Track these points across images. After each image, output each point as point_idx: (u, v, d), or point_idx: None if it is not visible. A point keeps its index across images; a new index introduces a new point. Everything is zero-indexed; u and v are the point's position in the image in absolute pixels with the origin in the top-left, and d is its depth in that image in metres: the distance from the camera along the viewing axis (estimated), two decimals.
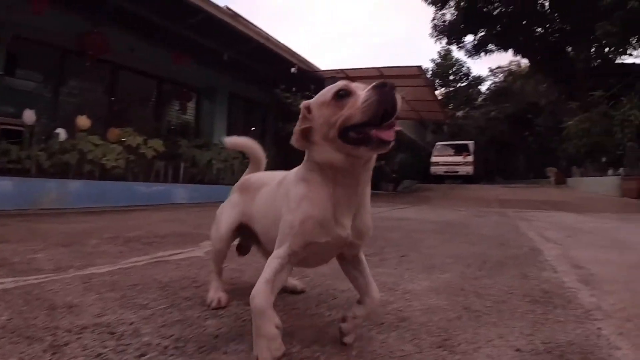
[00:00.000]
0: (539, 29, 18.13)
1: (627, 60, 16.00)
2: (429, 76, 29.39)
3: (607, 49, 15.01)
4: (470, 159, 19.82)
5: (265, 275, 0.90)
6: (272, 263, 0.92)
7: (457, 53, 25.77)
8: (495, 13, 18.01)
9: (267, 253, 1.19)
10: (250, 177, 1.39)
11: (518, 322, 1.24)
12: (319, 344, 1.01)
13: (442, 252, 2.53)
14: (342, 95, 0.88)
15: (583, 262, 2.30)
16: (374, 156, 0.93)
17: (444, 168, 19.84)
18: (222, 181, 7.59)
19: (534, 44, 18.11)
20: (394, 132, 0.84)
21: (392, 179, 15.25)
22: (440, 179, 19.37)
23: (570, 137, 13.35)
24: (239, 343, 0.98)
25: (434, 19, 19.44)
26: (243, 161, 7.91)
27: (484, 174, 22.47)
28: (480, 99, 28.94)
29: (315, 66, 10.26)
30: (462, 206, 7.72)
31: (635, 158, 10.75)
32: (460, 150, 20.33)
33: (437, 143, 21.91)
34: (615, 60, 15.67)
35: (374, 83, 0.84)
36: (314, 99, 0.95)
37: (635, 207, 8.11)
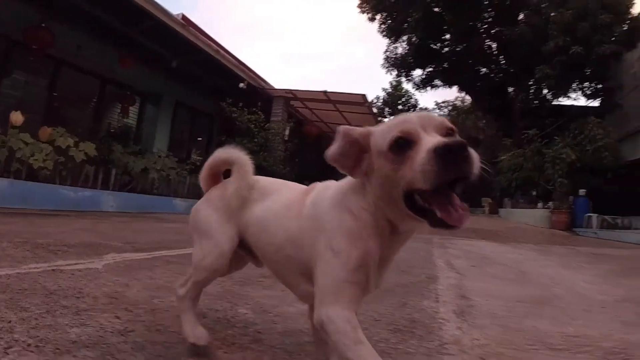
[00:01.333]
0: (483, 69, 19.54)
1: (564, 102, 17.56)
2: (380, 104, 30.92)
3: (545, 91, 16.47)
4: None
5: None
6: (359, 337, 0.77)
7: (407, 84, 27.11)
8: (444, 51, 19.25)
9: (258, 263, 1.16)
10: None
11: None
12: None
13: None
14: (402, 146, 0.73)
15: (472, 293, 2.32)
16: None
17: None
18: (156, 191, 7.44)
19: (477, 82, 19.58)
20: (465, 216, 0.71)
21: None
22: None
23: (503, 171, 14.40)
24: (91, 350, 1.06)
25: (386, 51, 20.48)
26: (180, 172, 7.83)
27: None
28: None
29: (266, 83, 10.60)
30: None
31: (564, 193, 11.79)
32: None
33: None
34: (552, 101, 17.16)
35: (437, 144, 0.69)
36: (371, 133, 0.82)
37: (561, 237, 8.93)
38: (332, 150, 0.83)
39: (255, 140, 8.92)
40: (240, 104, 8.89)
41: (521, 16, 16.85)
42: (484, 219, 15.29)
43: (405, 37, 19.63)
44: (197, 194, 7.11)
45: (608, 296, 2.62)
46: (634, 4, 14.58)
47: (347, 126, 0.85)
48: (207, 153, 8.11)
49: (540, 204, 13.02)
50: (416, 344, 1.36)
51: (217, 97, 9.42)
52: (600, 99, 16.81)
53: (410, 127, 0.74)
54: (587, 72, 15.24)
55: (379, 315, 1.68)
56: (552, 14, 14.61)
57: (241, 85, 9.12)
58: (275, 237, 1.00)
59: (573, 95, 17.25)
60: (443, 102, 31.86)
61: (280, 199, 1.05)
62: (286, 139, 10.17)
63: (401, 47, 20.12)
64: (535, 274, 3.51)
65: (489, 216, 17.30)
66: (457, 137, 0.75)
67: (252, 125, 8.91)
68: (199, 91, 9.72)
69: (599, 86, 16.46)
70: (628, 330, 1.80)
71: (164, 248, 3.11)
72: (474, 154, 0.69)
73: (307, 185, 1.09)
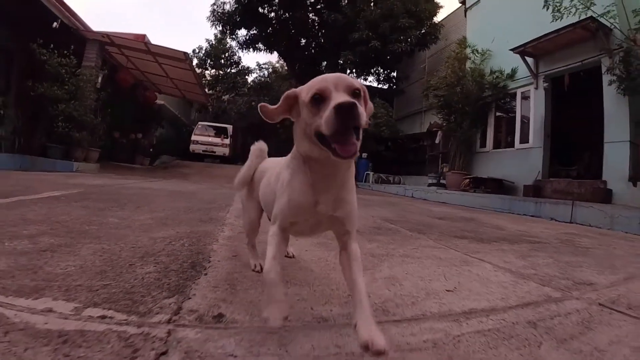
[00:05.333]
0: (303, 40, 21.74)
1: (363, 82, 21.20)
2: (202, 55, 30.90)
3: (348, 71, 19.69)
4: (227, 141, 22.09)
5: (271, 253, 1.12)
6: (271, 240, 1.17)
7: (232, 41, 27.76)
8: (270, 16, 20.67)
9: None
10: (260, 166, 1.73)
11: None
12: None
13: (164, 206, 3.80)
14: (317, 100, 1.01)
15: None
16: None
17: (203, 147, 21.85)
18: None
19: (295, 52, 21.60)
20: (354, 148, 0.96)
21: (148, 153, 15.79)
22: (199, 157, 21.31)
23: None
24: None
25: (214, 4, 20.76)
26: None
27: (241, 155, 25.18)
28: (245, 88, 31.94)
29: (81, 23, 10.00)
30: (209, 182, 9.33)
31: None
32: (220, 132, 22.91)
33: (199, 123, 23.79)
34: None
35: (336, 103, 0.95)
36: (301, 90, 1.10)
37: None
38: (272, 110, 1.15)
39: (66, 87, 8.68)
40: (52, 45, 8.58)
41: (345, 1, 19.37)
42: None
43: None
44: None
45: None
46: (436, 13, 18.60)
47: (288, 91, 1.15)
48: (4, 99, 7.66)
49: None
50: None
51: (18, 31, 8.83)
52: (389, 84, 21.21)
53: (324, 87, 1.01)
54: (382, 62, 18.98)
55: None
56: (364, 9, 17.56)
57: (55, 24, 8.76)
58: (267, 197, 1.45)
59: (370, 78, 21.09)
60: (265, 64, 33.78)
61: (272, 173, 1.42)
62: (98, 86, 10.10)
63: (229, 4, 20.68)
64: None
65: None
66: (361, 97, 1.07)
67: (63, 71, 8.65)
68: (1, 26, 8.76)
69: (392, 74, 20.82)
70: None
71: None
72: (361, 110, 0.95)
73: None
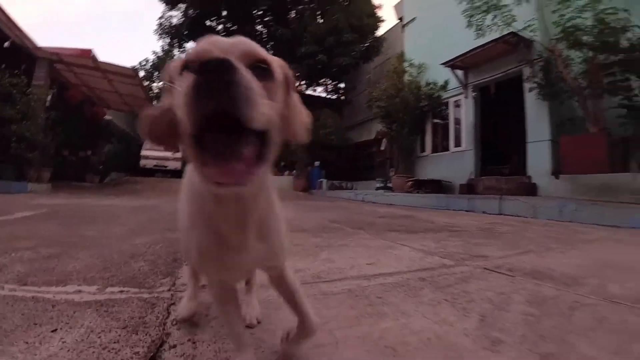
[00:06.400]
0: None
1: (312, 92, 22.10)
2: (149, 68, 30.73)
3: (297, 84, 20.43)
4: (178, 154, 22.03)
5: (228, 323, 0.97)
6: (218, 309, 1.01)
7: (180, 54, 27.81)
8: (218, 29, 21.05)
9: None
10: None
11: None
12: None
13: (131, 220, 4.24)
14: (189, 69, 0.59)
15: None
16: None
17: (154, 162, 21.65)
18: None
19: None
20: (239, 168, 0.55)
21: (98, 171, 15.69)
22: (150, 172, 21.15)
23: None
24: None
25: (161, 17, 20.92)
26: None
27: None
28: None
29: (30, 41, 10.04)
30: (165, 197, 9.58)
31: (304, 164, 15.69)
32: None
33: None
34: (305, 91, 21.45)
35: (196, 49, 0.62)
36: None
37: (298, 196, 12.30)
38: (157, 118, 0.67)
39: (18, 107, 8.66)
40: (3, 65, 8.58)
41: (292, 15, 20.12)
42: None
43: (183, 6, 20.60)
44: None
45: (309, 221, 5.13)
46: (378, 27, 19.75)
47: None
48: None
49: (286, 172, 16.79)
50: None
51: None
52: (338, 95, 22.23)
53: (204, 51, 0.61)
54: (330, 74, 19.93)
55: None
56: (310, 24, 18.42)
57: (6, 44, 8.84)
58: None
59: (319, 89, 21.99)
60: None
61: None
62: (48, 105, 10.14)
63: (176, 18, 20.89)
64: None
65: None
66: (273, 79, 0.64)
67: (15, 91, 8.64)
68: None
69: (339, 86, 21.86)
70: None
71: None
72: (248, 83, 0.52)
73: None
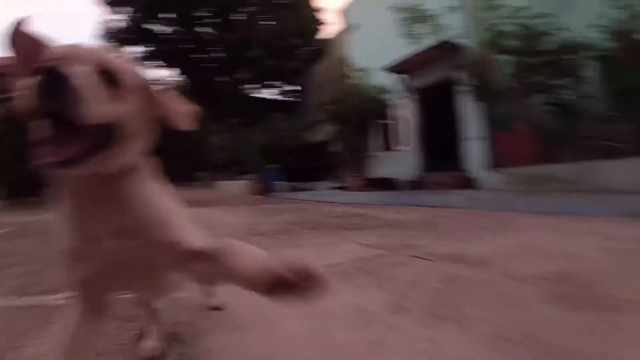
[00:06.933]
0: (202, 55, 22.09)
1: (264, 95, 22.35)
2: None
3: (247, 86, 20.67)
4: None
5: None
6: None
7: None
8: (164, 33, 20.76)
9: None
10: None
11: None
12: None
13: None
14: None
15: None
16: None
17: None
18: None
19: (193, 67, 21.90)
20: (58, 154, 0.63)
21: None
22: None
23: (214, 151, 18.01)
24: None
25: (106, 21, 20.36)
26: None
27: None
28: None
29: None
30: None
31: (259, 167, 15.99)
32: None
33: None
34: (250, 94, 21.62)
35: (55, 52, 0.69)
36: None
37: (255, 199, 12.63)
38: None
39: None
40: None
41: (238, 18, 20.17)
42: (202, 191, 18.41)
43: (126, 9, 20.17)
44: None
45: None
46: (317, 29, 20.23)
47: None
48: None
49: (243, 176, 17.03)
50: None
51: None
52: (290, 96, 22.66)
53: (56, 55, 0.68)
54: (281, 77, 20.36)
55: None
56: (257, 29, 18.68)
57: None
58: None
59: (271, 91, 22.29)
60: (164, 80, 33.30)
61: None
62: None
63: (117, 22, 20.33)
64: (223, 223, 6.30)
65: (206, 188, 20.74)
66: (118, 85, 0.71)
67: None
68: None
69: (291, 87, 22.28)
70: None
71: None
72: (82, 90, 0.61)
73: None
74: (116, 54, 0.77)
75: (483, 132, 9.20)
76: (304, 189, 17.47)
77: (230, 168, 18.95)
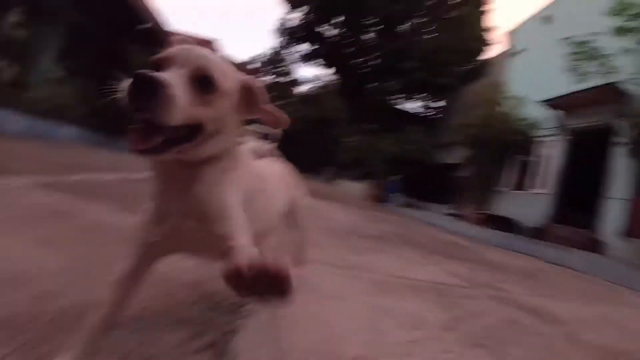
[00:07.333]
0: (359, 60, 23.11)
1: (404, 107, 22.57)
2: (264, 61, 32.82)
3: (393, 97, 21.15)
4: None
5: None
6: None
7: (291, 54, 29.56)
8: (331, 33, 22.28)
9: None
10: None
11: None
12: None
13: None
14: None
15: None
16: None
17: None
18: None
19: (351, 70, 23.02)
20: (139, 144, 0.74)
21: None
22: None
23: (344, 150, 18.73)
24: None
25: (281, 18, 22.65)
26: None
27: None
28: (294, 99, 33.24)
29: (168, 26, 11.15)
30: None
31: (382, 176, 16.33)
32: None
33: None
34: (394, 105, 21.97)
35: (163, 54, 0.82)
36: None
37: (370, 207, 12.98)
38: None
39: None
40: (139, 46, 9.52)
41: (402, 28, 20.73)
42: (322, 184, 19.42)
43: (302, 10, 22.12)
44: None
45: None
46: (480, 49, 19.75)
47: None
48: None
49: (364, 180, 17.51)
50: None
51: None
52: (432, 111, 22.41)
53: (167, 57, 0.81)
54: (428, 90, 20.33)
55: None
56: (418, 42, 18.99)
57: (143, 26, 10.03)
58: None
59: (414, 103, 22.36)
60: (318, 77, 35.37)
61: None
62: None
63: (294, 20, 22.43)
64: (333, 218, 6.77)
65: (328, 183, 21.75)
66: (215, 92, 0.81)
67: None
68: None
69: (436, 104, 22.06)
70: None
71: None
72: (170, 97, 0.71)
73: None
74: (220, 57, 0.86)
75: (627, 193, 8.12)
76: (418, 207, 17.24)
77: (355, 169, 19.54)
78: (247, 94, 0.91)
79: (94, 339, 0.91)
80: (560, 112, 10.63)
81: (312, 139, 28.72)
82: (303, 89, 35.02)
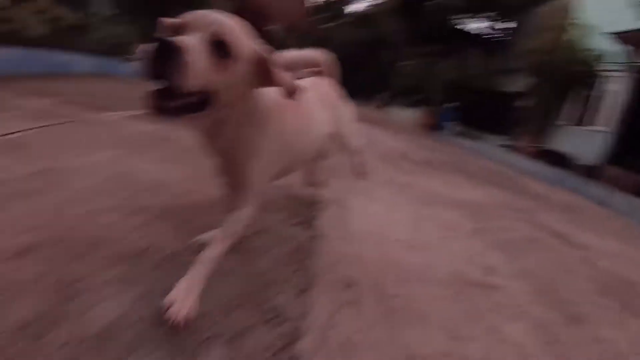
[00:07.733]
0: None
1: (467, 27, 21.16)
2: None
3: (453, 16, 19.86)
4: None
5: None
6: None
7: None
8: None
9: None
10: None
11: None
12: None
13: None
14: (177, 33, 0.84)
15: None
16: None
17: None
18: None
19: None
20: (153, 102, 0.78)
21: None
22: None
23: (399, 75, 18.25)
24: None
25: None
26: None
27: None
28: (344, 20, 31.70)
29: None
30: None
31: (438, 103, 16.10)
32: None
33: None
34: (456, 25, 20.63)
35: (182, 19, 0.86)
36: None
37: (423, 135, 13.19)
38: None
39: None
40: None
41: None
42: (374, 110, 19.45)
43: None
44: None
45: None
46: None
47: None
48: None
49: (419, 107, 17.33)
50: None
51: None
52: (499, 33, 20.87)
53: (185, 22, 0.85)
54: (496, 9, 18.87)
55: None
56: None
57: None
58: None
59: (481, 24, 20.85)
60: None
61: None
62: None
63: None
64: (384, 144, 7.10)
65: (380, 109, 21.72)
66: (229, 55, 0.85)
67: None
68: None
69: (504, 25, 20.44)
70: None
71: None
72: (190, 64, 0.75)
73: None
74: (237, 24, 0.89)
75: None
76: (473, 137, 16.84)
77: (409, 96, 19.11)
78: (261, 64, 0.93)
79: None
80: (630, 48, 9.90)
81: (365, 63, 27.84)
82: (358, 7, 33.29)
